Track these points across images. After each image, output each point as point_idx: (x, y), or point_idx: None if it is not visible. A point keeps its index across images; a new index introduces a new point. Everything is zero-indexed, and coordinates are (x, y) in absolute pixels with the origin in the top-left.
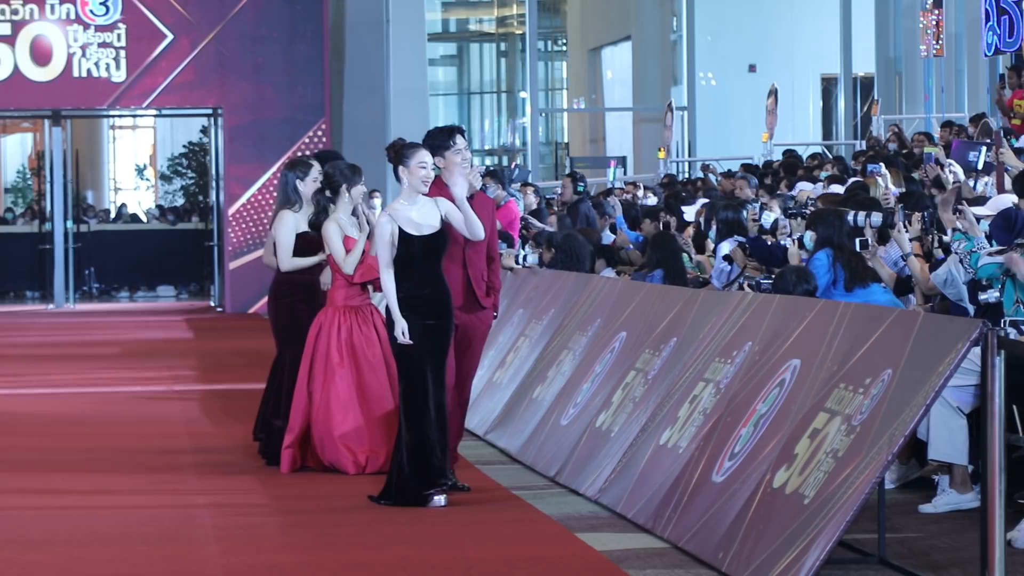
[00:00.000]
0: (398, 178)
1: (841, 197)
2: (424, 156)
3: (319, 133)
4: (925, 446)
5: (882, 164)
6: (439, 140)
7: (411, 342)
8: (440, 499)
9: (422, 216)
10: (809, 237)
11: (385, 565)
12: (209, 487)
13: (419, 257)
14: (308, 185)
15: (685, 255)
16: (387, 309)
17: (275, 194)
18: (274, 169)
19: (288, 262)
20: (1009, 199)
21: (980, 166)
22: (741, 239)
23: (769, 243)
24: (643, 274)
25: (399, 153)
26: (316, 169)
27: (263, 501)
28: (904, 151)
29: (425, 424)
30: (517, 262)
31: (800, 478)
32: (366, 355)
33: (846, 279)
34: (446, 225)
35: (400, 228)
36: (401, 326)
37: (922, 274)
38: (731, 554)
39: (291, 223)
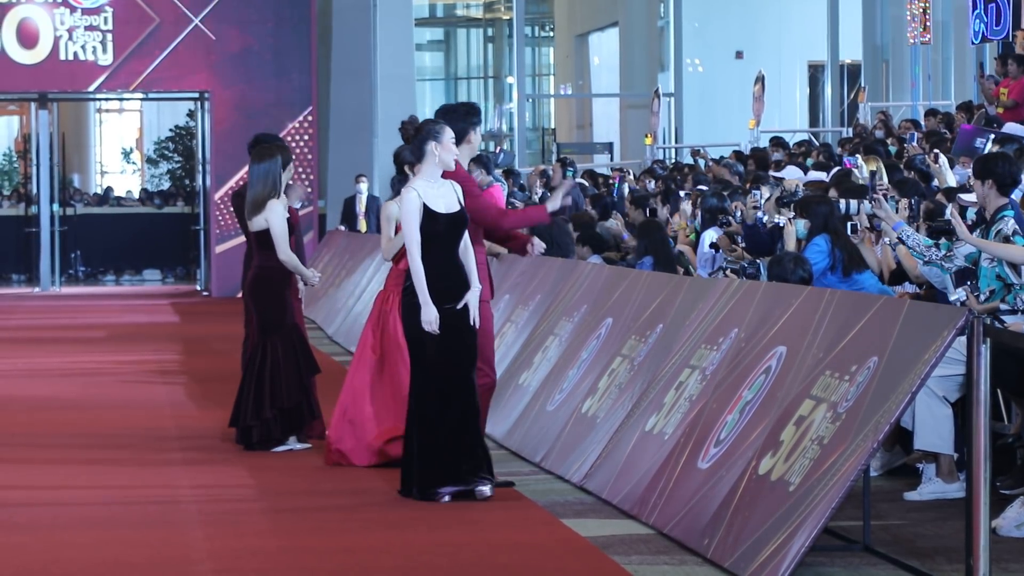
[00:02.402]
0: (421, 155)
1: (826, 184)
2: (451, 132)
3: (308, 118)
4: (909, 434)
5: (858, 155)
6: (463, 119)
7: (437, 331)
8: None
9: (442, 195)
10: (803, 225)
11: (370, 550)
12: (194, 471)
13: (442, 236)
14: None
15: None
16: (405, 292)
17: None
18: None
19: (287, 252)
20: None
21: (986, 152)
22: (727, 224)
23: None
24: (633, 261)
25: (430, 129)
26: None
27: (248, 485)
28: (890, 138)
29: (437, 422)
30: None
31: (785, 465)
32: (396, 339)
33: (844, 264)
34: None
35: (425, 204)
36: (432, 315)
37: (909, 261)
38: (716, 540)
39: (282, 212)
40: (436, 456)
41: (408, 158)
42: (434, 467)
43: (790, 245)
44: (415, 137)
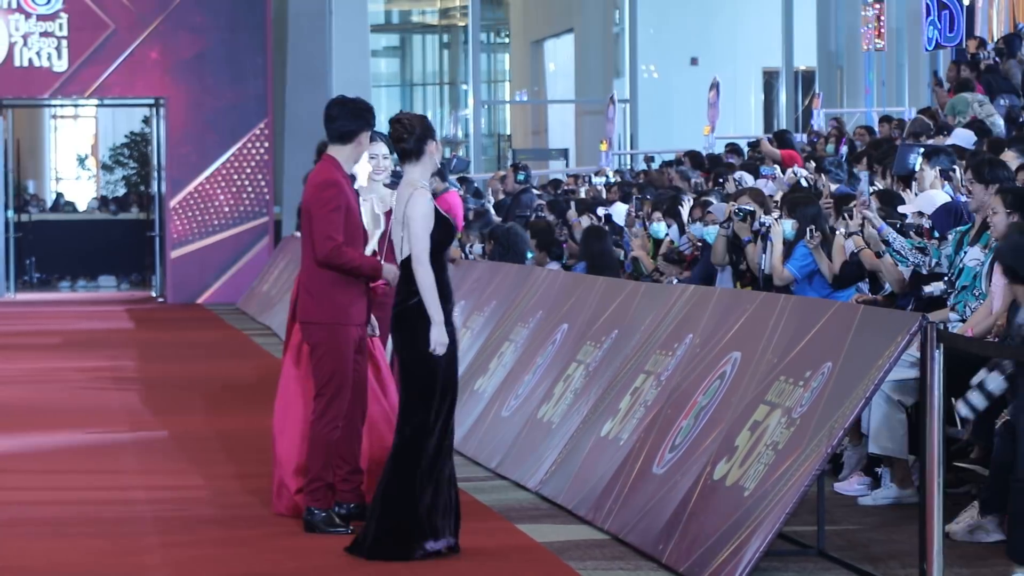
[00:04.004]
0: (419, 154)
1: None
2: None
3: (262, 126)
4: None
5: (776, 167)
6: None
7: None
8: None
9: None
10: (790, 225)
11: (324, 553)
12: (149, 477)
13: (445, 246)
14: None
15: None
16: (413, 313)
17: (223, 184)
18: (220, 160)
19: None
20: (939, 195)
21: (917, 168)
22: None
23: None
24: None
25: (430, 127)
26: None
27: (203, 492)
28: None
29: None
30: (464, 254)
31: (740, 470)
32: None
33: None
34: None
35: (436, 209)
36: (444, 336)
37: (894, 273)
38: (671, 546)
39: None
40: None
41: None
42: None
43: (777, 245)
44: (417, 135)
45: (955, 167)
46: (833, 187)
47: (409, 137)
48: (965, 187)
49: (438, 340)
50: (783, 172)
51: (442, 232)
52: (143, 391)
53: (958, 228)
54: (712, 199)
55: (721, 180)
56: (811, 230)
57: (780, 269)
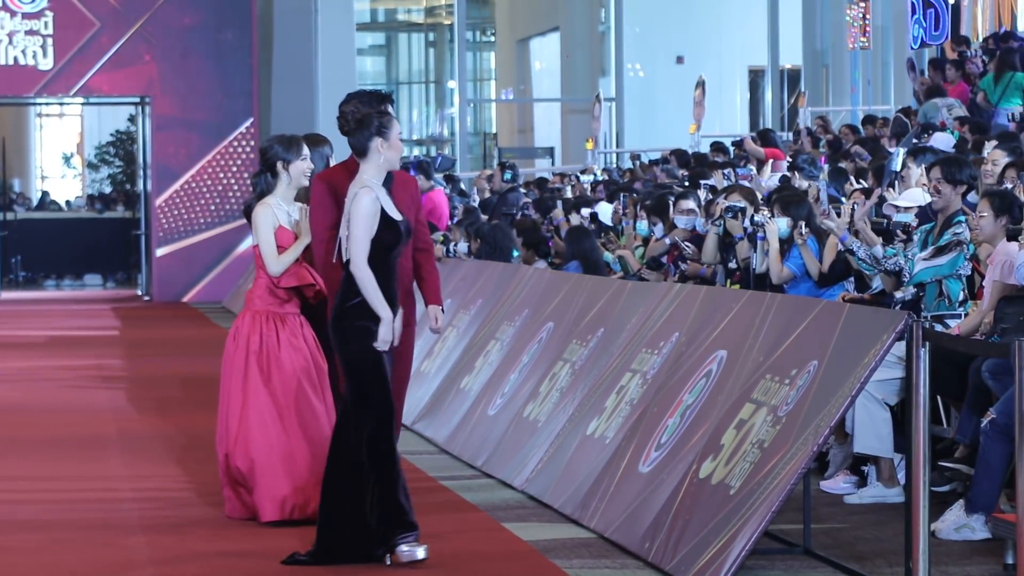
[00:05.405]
0: (365, 152)
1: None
2: (399, 126)
3: (248, 126)
4: None
5: (753, 167)
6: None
7: (388, 348)
8: (417, 551)
9: (389, 198)
10: (785, 223)
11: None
12: (136, 477)
13: (397, 247)
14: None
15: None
16: (345, 314)
17: (208, 182)
18: (206, 159)
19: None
20: (926, 195)
21: (898, 168)
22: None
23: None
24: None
25: (381, 123)
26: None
27: (189, 491)
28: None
29: (396, 456)
30: (448, 252)
31: (726, 469)
32: (295, 372)
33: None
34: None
35: (383, 209)
36: (391, 332)
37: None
38: (657, 544)
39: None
40: (396, 501)
41: (282, 155)
42: (396, 518)
43: (773, 244)
44: (357, 129)
45: None
46: (806, 184)
47: (353, 131)
48: (933, 186)
49: (385, 337)
50: (759, 171)
51: (389, 234)
52: (129, 390)
53: (922, 228)
54: (690, 199)
55: (701, 181)
56: (801, 225)
57: (779, 267)
